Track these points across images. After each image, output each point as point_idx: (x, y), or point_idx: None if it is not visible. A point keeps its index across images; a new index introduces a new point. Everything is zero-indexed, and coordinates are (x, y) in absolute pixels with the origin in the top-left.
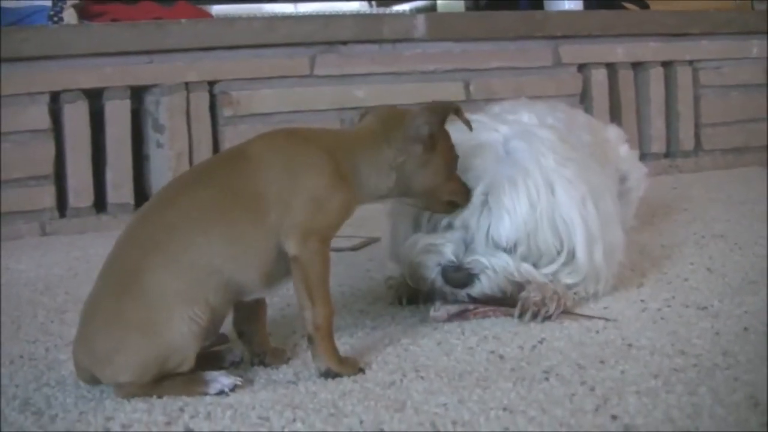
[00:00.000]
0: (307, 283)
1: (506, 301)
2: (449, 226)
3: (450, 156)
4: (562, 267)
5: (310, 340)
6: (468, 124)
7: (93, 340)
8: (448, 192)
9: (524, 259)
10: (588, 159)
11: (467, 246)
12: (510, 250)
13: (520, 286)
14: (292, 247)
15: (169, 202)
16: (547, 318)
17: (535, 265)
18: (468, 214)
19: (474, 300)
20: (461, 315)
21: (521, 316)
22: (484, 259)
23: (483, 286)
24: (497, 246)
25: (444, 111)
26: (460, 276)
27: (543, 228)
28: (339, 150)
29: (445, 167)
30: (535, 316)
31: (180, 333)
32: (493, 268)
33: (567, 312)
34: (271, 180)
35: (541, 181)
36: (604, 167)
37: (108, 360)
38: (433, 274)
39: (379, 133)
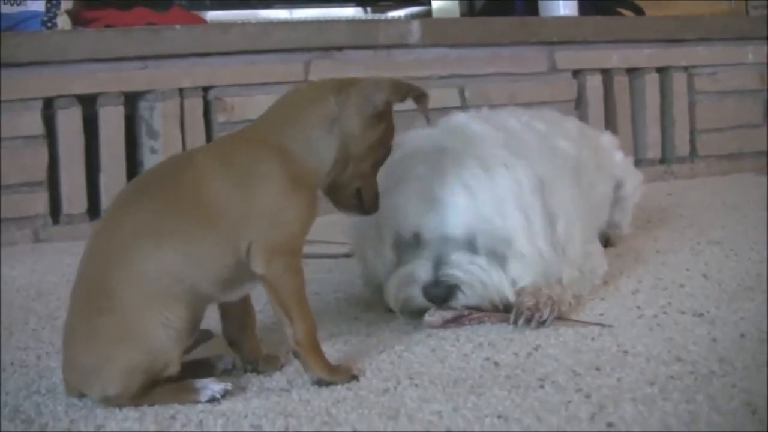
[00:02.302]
0: (280, 301)
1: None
2: (411, 243)
3: (386, 140)
4: (519, 264)
5: (296, 355)
6: (427, 116)
7: (77, 360)
8: (363, 177)
9: (489, 253)
10: (541, 152)
11: (439, 260)
12: (473, 246)
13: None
14: (257, 268)
15: (121, 215)
16: (542, 323)
17: (503, 263)
18: (418, 223)
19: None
20: (456, 321)
21: (515, 321)
22: (458, 272)
23: (465, 297)
24: (456, 242)
25: (407, 90)
26: (438, 291)
27: (491, 214)
28: (285, 131)
29: (378, 145)
30: (529, 321)
31: (157, 337)
32: (470, 281)
33: (562, 318)
34: (218, 190)
35: (479, 170)
36: (567, 161)
37: (95, 375)
38: (420, 300)
39: (329, 87)
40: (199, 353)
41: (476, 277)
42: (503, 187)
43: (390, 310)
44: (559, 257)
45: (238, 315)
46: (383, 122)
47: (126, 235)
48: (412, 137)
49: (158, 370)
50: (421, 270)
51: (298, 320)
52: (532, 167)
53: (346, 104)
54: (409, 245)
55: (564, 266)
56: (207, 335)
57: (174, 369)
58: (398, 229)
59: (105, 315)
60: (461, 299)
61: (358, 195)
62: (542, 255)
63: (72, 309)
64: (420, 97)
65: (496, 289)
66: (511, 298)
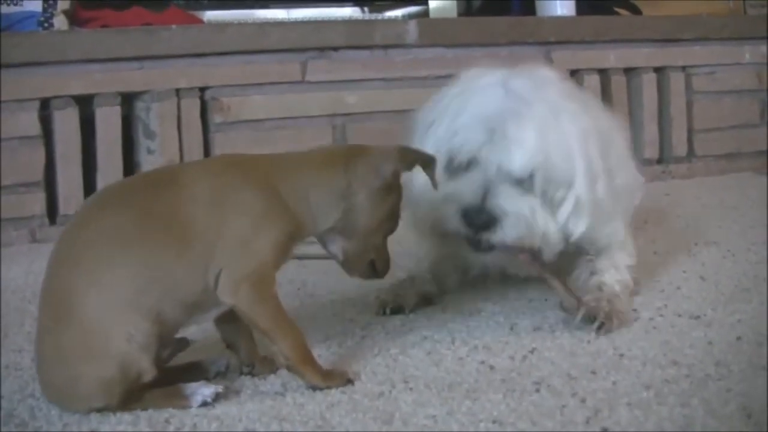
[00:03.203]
0: (257, 327)
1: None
2: (462, 168)
3: (396, 211)
4: (571, 214)
5: (289, 369)
6: (435, 182)
7: (52, 380)
8: (377, 249)
9: (542, 195)
10: (596, 103)
11: (487, 189)
12: (526, 183)
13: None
14: (226, 299)
15: (91, 220)
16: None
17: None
18: (478, 148)
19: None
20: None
21: (588, 320)
22: (505, 204)
23: (505, 233)
24: (512, 177)
25: (414, 157)
26: (482, 218)
27: (555, 155)
28: (286, 178)
29: (388, 217)
30: (600, 326)
31: (123, 350)
32: (516, 214)
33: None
34: (197, 212)
35: (547, 111)
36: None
37: (72, 393)
38: (455, 221)
39: (339, 157)
40: (192, 356)
41: (523, 214)
42: (570, 131)
43: (380, 314)
44: (615, 209)
45: (233, 317)
46: (392, 194)
47: (93, 240)
48: (475, 74)
49: (134, 379)
50: (468, 192)
51: (281, 339)
52: (594, 117)
53: (355, 178)
54: (458, 170)
55: (618, 221)
56: (183, 344)
57: (149, 376)
58: (453, 153)
59: (69, 330)
60: (500, 233)
61: (372, 265)
62: (599, 202)
63: (39, 324)
64: (427, 164)
65: (541, 232)
66: (557, 244)
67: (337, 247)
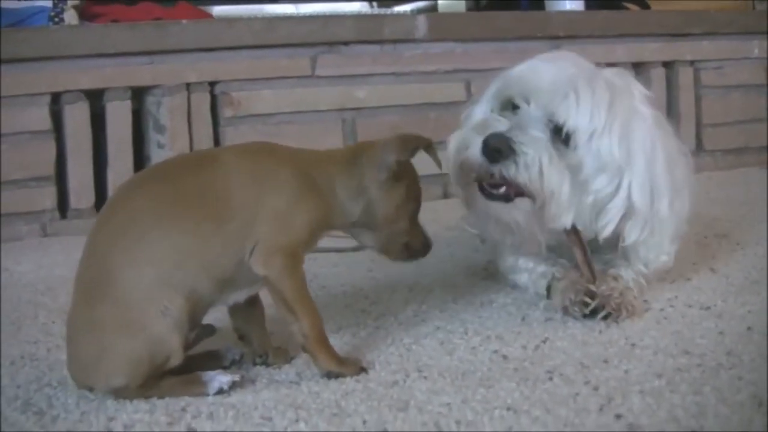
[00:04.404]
0: (282, 300)
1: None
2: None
3: (413, 193)
4: (623, 220)
5: (305, 349)
6: (438, 162)
7: (79, 352)
8: (406, 232)
9: (576, 166)
10: (671, 128)
11: (518, 125)
12: (565, 138)
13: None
14: (258, 268)
15: (130, 199)
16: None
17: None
18: (527, 91)
19: (506, 181)
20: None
21: (594, 312)
22: (528, 141)
23: (518, 169)
24: (551, 126)
25: (414, 143)
26: (496, 143)
27: (612, 131)
28: (316, 169)
29: (406, 201)
30: (606, 316)
31: (156, 327)
32: (533, 155)
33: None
34: (237, 189)
35: (623, 97)
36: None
37: (96, 367)
38: (475, 149)
39: (349, 156)
40: (207, 345)
41: (539, 157)
42: (638, 126)
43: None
44: (676, 233)
45: (246, 309)
46: (403, 179)
47: (132, 218)
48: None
49: (161, 361)
50: (498, 123)
51: (302, 316)
52: (664, 139)
53: (363, 175)
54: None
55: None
56: (209, 330)
57: (176, 360)
58: (504, 88)
59: (104, 304)
60: (513, 169)
61: (407, 247)
62: (662, 219)
63: (74, 299)
64: (428, 146)
65: (552, 185)
66: (565, 209)
67: (368, 238)
